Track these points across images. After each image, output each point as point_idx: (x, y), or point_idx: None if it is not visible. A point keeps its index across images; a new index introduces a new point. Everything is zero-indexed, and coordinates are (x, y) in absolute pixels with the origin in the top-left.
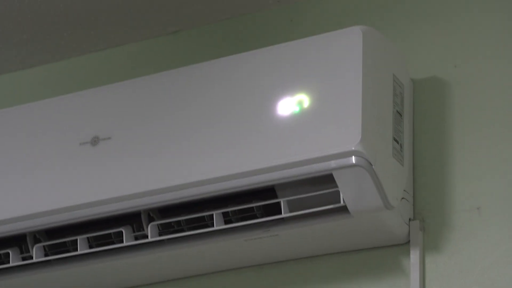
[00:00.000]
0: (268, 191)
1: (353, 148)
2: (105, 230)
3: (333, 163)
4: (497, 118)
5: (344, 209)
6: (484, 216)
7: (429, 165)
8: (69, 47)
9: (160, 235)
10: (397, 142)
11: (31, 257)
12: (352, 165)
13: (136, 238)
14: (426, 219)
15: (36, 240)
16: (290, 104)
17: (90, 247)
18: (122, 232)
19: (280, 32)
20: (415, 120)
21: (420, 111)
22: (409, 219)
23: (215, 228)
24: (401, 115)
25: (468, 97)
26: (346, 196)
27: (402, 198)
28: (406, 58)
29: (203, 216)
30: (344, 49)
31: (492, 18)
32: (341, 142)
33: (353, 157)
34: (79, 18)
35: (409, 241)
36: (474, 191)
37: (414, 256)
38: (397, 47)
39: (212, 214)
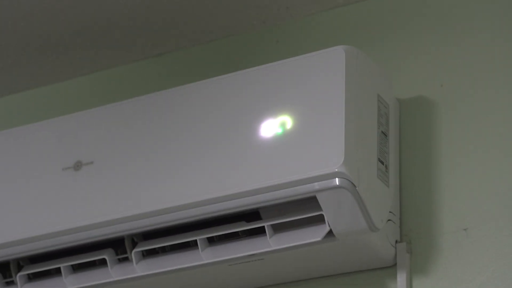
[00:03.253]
0: (253, 214)
1: (336, 170)
2: (88, 255)
3: (316, 185)
4: (484, 138)
5: (329, 232)
6: (471, 237)
7: (416, 186)
8: (51, 72)
9: (144, 257)
10: (382, 163)
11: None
12: (336, 187)
13: (120, 261)
14: (413, 241)
15: (20, 267)
16: (273, 126)
17: (74, 271)
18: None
19: (266, 53)
20: (402, 140)
21: (407, 131)
22: (396, 241)
23: (205, 261)
24: (386, 136)
25: (455, 116)
26: (330, 219)
27: (388, 219)
28: (392, 77)
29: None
30: (327, 69)
31: (479, 36)
32: (324, 163)
33: (336, 178)
34: (60, 43)
35: (396, 264)
36: (461, 212)
37: (401, 279)
38: (382, 67)
39: (196, 240)
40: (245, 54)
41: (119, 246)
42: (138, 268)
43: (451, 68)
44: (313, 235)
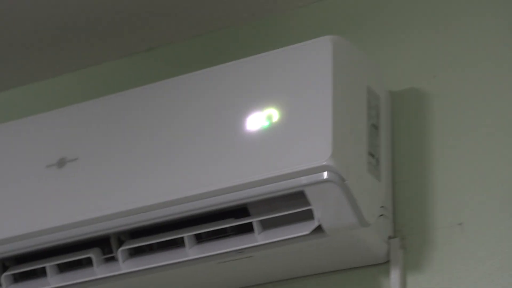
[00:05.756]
0: (242, 210)
1: (324, 163)
2: (74, 254)
3: (304, 179)
4: (478, 130)
5: (318, 228)
6: (466, 232)
7: (410, 179)
8: (38, 69)
9: (131, 256)
10: (373, 157)
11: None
12: (324, 181)
13: (106, 261)
14: (406, 236)
15: (5, 268)
16: (259, 119)
17: (60, 271)
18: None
19: (255, 46)
20: (394, 133)
21: (400, 124)
22: (389, 237)
23: (191, 257)
24: (377, 128)
25: (448, 108)
26: (319, 214)
27: (380, 214)
28: (384, 69)
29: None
30: (314, 60)
31: (471, 27)
32: (311, 157)
33: (325, 172)
34: (46, 39)
35: (389, 260)
36: (456, 206)
37: (395, 275)
38: (371, 58)
39: (183, 237)
40: (234, 47)
41: (105, 245)
42: (124, 267)
43: (444, 59)
44: (301, 229)
